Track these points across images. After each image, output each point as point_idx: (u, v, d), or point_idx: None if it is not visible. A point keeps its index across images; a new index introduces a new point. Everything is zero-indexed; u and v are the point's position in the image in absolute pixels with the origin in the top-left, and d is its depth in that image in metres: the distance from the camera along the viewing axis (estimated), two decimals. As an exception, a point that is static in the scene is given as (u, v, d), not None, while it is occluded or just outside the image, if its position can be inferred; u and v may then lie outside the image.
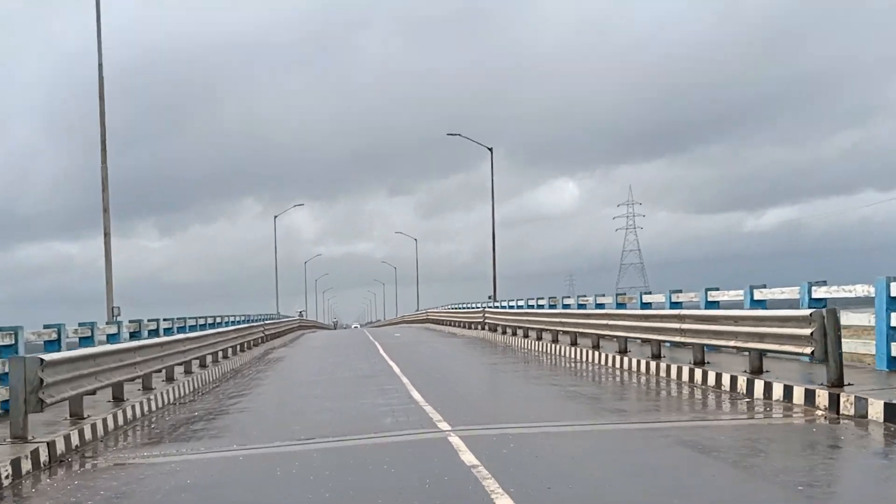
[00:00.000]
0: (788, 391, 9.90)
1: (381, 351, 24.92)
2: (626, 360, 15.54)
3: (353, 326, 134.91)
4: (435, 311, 55.11)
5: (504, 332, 29.85)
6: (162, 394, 13.68)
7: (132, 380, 12.74)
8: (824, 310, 9.56)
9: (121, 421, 11.17)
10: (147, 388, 13.54)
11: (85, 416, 10.34)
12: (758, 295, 13.58)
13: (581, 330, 19.04)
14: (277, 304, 64.30)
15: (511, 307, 32.24)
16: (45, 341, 12.81)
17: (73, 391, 9.77)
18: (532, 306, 30.27)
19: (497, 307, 34.34)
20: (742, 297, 14.07)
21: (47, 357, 9.19)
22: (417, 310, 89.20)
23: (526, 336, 25.77)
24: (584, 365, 17.04)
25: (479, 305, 40.18)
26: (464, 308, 43.12)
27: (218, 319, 31.99)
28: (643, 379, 13.82)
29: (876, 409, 8.30)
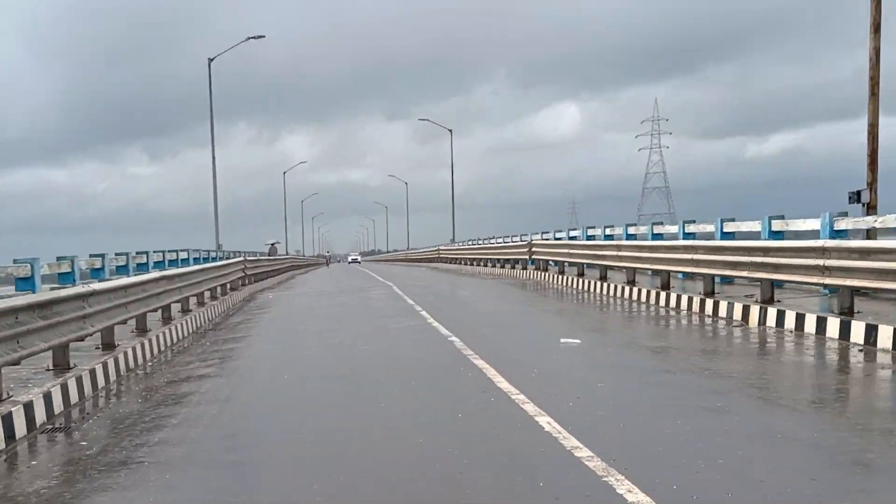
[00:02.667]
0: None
1: None
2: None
3: (350, 259, 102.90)
4: (544, 243, 24.97)
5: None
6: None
7: None
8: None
9: None
10: None
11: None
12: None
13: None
14: (217, 235, 34.51)
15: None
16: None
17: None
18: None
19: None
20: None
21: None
22: (455, 240, 59.10)
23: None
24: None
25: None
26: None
27: None
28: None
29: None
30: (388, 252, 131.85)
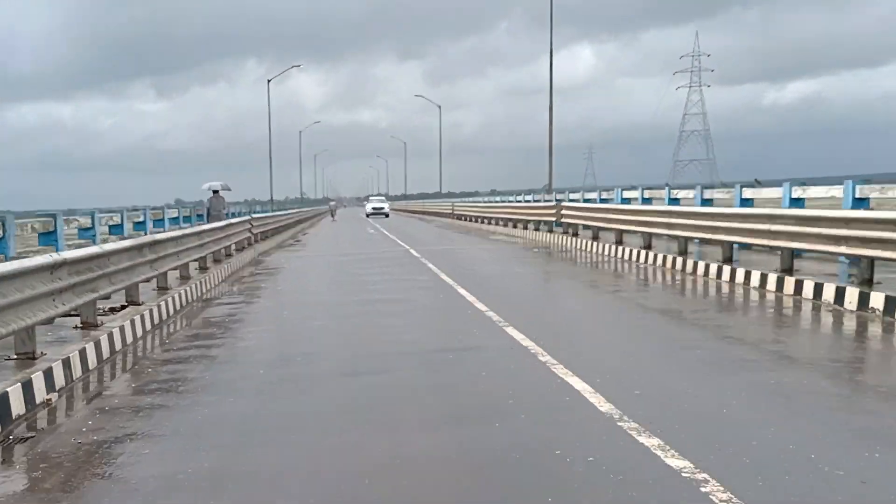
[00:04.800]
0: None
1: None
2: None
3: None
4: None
5: None
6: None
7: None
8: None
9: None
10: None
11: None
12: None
13: None
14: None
15: None
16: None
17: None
18: None
19: None
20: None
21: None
22: (551, 189, 30.89)
23: None
24: None
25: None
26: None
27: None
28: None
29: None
30: (405, 198, 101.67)
